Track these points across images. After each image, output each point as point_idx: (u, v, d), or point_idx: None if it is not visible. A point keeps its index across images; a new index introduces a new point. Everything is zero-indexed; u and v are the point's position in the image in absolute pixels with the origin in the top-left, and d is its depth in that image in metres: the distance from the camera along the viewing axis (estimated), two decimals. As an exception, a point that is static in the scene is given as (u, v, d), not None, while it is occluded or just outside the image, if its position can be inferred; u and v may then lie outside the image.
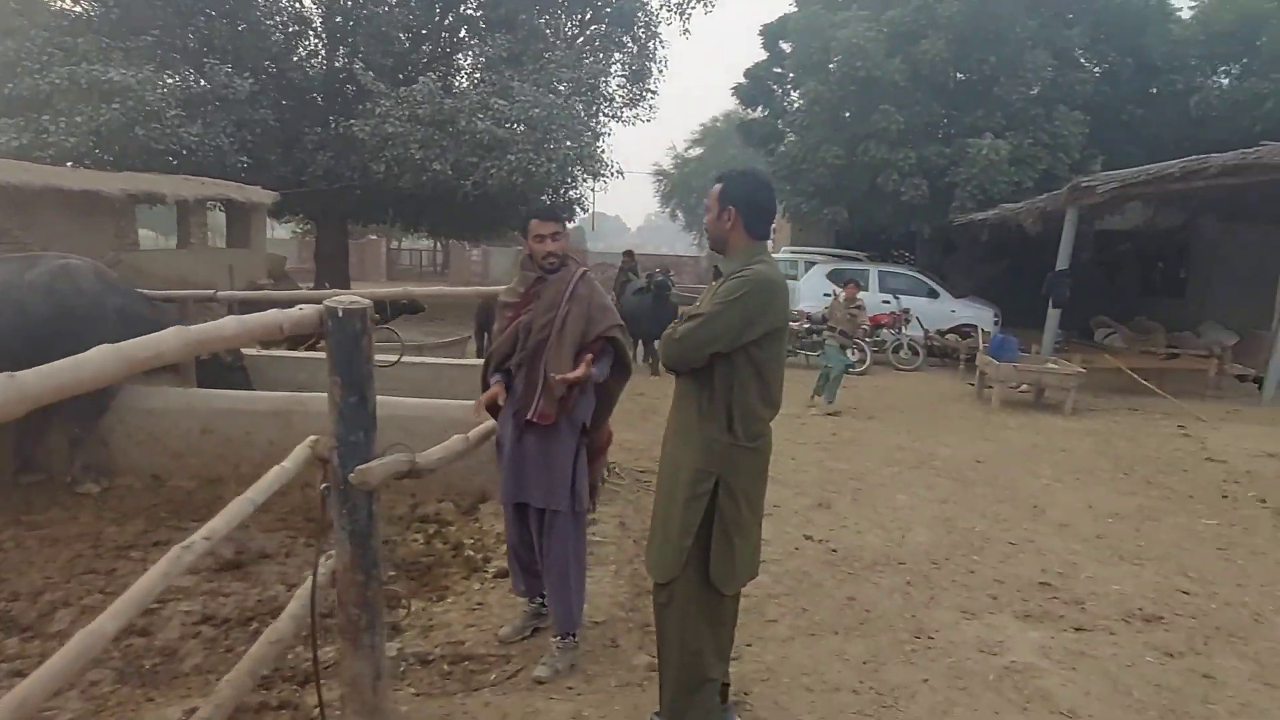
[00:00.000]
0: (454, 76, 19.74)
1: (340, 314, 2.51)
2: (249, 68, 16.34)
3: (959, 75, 14.72)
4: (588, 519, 3.60)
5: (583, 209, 24.62)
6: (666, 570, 2.62)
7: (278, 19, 18.25)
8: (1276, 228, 15.56)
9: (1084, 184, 10.73)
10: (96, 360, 1.65)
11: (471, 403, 3.44)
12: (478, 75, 19.68)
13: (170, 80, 14.69)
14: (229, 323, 2.16)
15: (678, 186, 46.94)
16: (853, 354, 10.26)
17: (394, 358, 4.18)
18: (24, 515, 4.54)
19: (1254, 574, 4.81)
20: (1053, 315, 11.66)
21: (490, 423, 3.48)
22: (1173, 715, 3.18)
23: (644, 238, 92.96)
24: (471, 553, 4.41)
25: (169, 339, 1.91)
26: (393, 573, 4.15)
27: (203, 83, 15.87)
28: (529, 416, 3.22)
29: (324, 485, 2.43)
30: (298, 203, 19.72)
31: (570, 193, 22.04)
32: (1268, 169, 10.02)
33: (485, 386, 3.38)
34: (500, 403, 3.29)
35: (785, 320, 2.62)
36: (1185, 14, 16.77)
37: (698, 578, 2.59)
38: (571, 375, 3.13)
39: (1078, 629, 3.93)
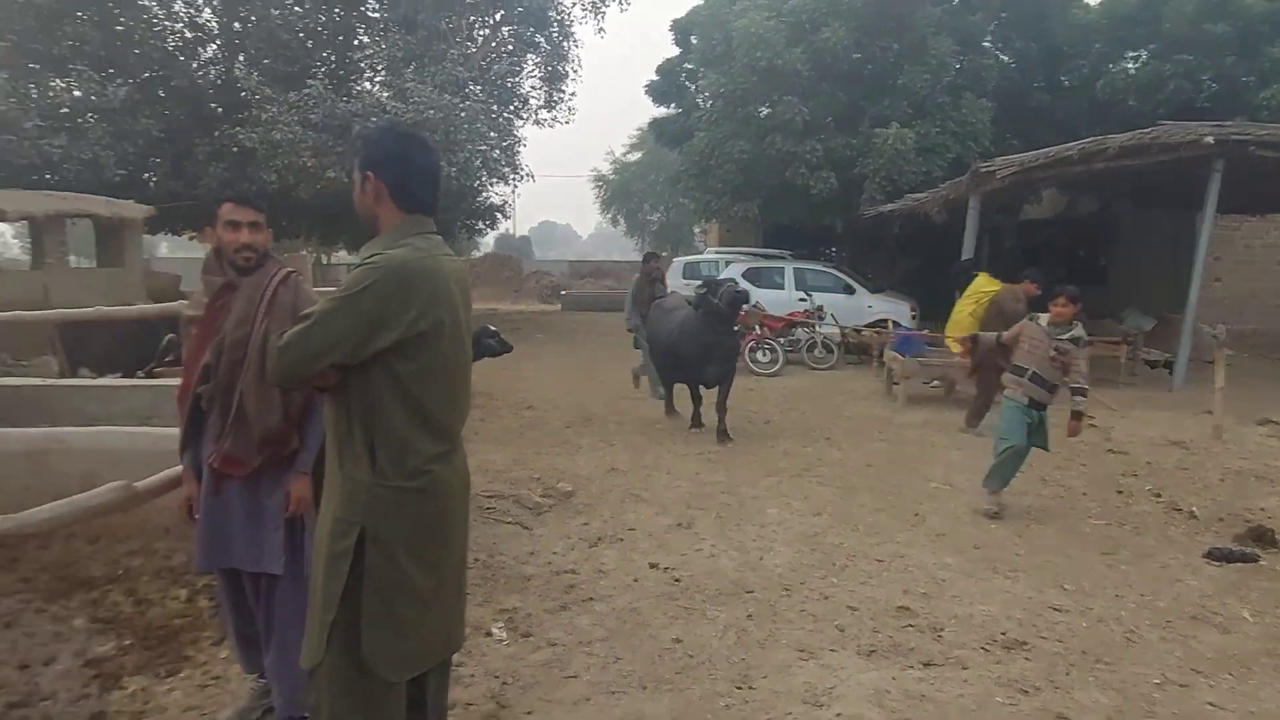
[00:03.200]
0: (355, 81, 18.96)
1: None
2: (127, 75, 15.36)
3: (864, 64, 14.37)
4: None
5: (504, 215, 23.93)
6: (310, 653, 2.01)
7: (169, 25, 17.34)
8: (1186, 211, 15.56)
9: (983, 169, 10.42)
10: None
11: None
12: (379, 78, 18.93)
13: (32, 90, 13.65)
14: None
15: (617, 192, 46.36)
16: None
17: None
18: None
19: (1136, 582, 4.38)
20: (961, 306, 11.30)
21: (176, 469, 2.83)
22: (1009, 777, 2.68)
23: (595, 245, 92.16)
24: (234, 611, 3.76)
25: None
26: (128, 642, 3.49)
27: (76, 91, 14.87)
28: (211, 463, 2.60)
29: None
30: (196, 218, 18.72)
31: (489, 199, 21.38)
32: (1166, 149, 9.80)
33: (183, 443, 2.78)
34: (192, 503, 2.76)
35: (437, 319, 2.00)
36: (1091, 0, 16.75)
37: (347, 662, 1.97)
38: (291, 510, 2.64)
39: (926, 664, 3.42)
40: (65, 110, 14.78)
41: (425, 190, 2.14)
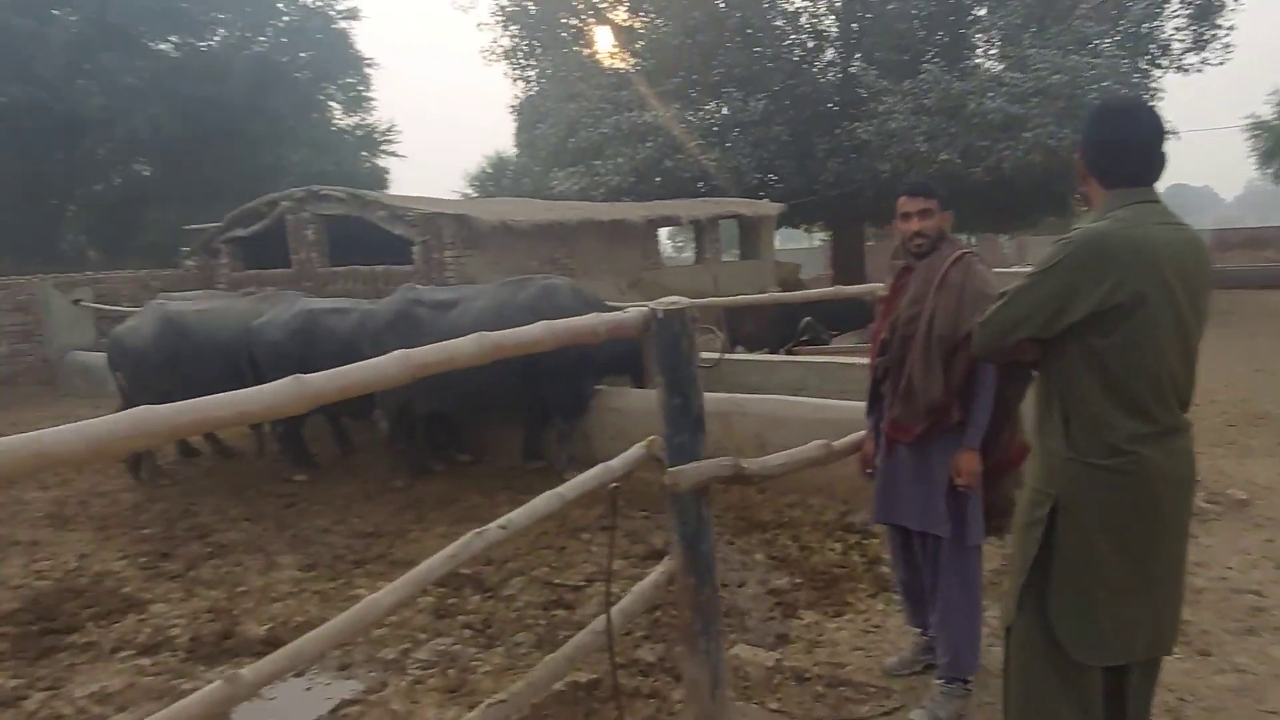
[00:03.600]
0: (967, 58, 18.60)
1: (661, 316, 2.51)
2: (763, 90, 17.55)
3: None
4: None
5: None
6: (1006, 612, 2.11)
7: (795, 38, 19.30)
8: None
9: None
10: (381, 365, 1.85)
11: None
12: (993, 50, 18.26)
13: (690, 116, 16.56)
14: (536, 329, 2.29)
15: (1286, 140, 37.02)
16: None
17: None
18: (521, 495, 5.51)
19: None
20: None
21: (861, 433, 3.15)
22: None
23: (1243, 209, 75.62)
24: (886, 570, 4.06)
25: (468, 345, 2.09)
26: (798, 580, 4.05)
27: (724, 110, 17.58)
28: (884, 427, 2.86)
29: (613, 485, 2.45)
30: (812, 212, 20.54)
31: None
32: None
33: (868, 407, 3.11)
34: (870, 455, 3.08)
35: (1137, 291, 1.86)
36: None
37: (1036, 628, 2.01)
38: (961, 482, 2.74)
39: None
40: (716, 129, 17.56)
41: (1125, 163, 2.04)
